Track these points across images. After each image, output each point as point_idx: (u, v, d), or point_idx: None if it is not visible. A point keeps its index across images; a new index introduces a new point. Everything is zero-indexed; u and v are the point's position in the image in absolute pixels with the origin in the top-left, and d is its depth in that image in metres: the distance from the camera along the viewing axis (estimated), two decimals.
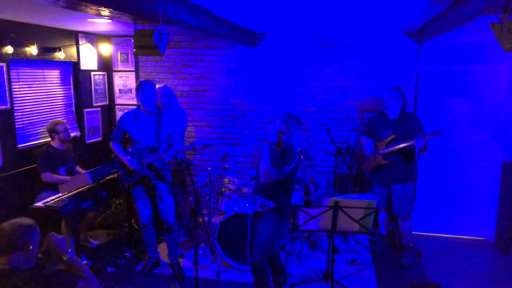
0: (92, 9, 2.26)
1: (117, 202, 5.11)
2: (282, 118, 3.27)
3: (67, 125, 4.27)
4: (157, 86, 4.09)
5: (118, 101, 5.66)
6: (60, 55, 4.57)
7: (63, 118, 4.82)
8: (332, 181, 5.07)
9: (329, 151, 5.12)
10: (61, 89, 4.85)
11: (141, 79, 3.75)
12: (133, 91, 5.53)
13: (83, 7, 2.19)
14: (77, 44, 4.89)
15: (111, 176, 4.12)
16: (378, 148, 4.10)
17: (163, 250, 4.15)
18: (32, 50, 4.18)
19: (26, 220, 2.22)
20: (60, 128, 4.13)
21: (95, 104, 5.32)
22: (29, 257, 2.18)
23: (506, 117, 4.56)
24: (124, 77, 5.59)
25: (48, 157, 4.07)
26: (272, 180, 3.07)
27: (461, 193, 4.82)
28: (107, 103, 5.59)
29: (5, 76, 3.91)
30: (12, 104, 4.03)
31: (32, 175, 4.17)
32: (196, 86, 5.39)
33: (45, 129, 4.32)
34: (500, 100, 4.57)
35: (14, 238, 2.12)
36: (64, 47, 4.65)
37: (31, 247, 2.18)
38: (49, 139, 4.23)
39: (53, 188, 3.87)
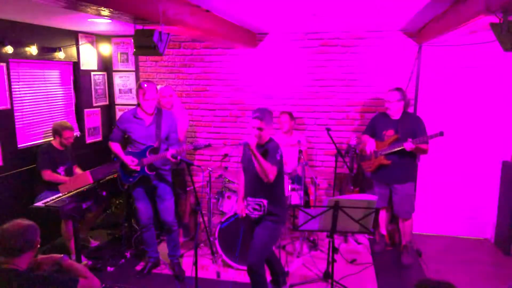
0: (92, 9, 2.26)
1: (117, 202, 5.12)
2: (254, 115, 3.11)
3: (74, 133, 4.28)
4: (158, 86, 4.09)
5: (118, 101, 5.66)
6: (60, 55, 4.58)
7: (63, 118, 4.83)
8: (332, 181, 5.07)
9: (329, 151, 5.12)
10: (61, 89, 4.85)
11: (142, 80, 3.74)
12: (133, 91, 5.54)
13: (83, 7, 2.19)
14: (77, 44, 4.90)
15: (111, 176, 4.13)
16: (380, 148, 4.10)
17: (163, 250, 4.15)
18: (32, 50, 4.18)
19: (27, 221, 2.22)
20: (65, 134, 4.16)
21: (95, 104, 5.32)
22: (33, 257, 2.20)
23: (506, 117, 4.57)
24: (124, 77, 5.59)
25: (48, 156, 4.09)
26: (275, 174, 3.04)
27: (461, 193, 4.83)
28: (107, 103, 5.60)
29: (5, 76, 3.92)
30: (12, 104, 4.04)
31: (32, 175, 4.18)
32: (196, 86, 5.40)
33: (46, 129, 4.32)
34: (500, 100, 4.57)
35: (28, 238, 2.12)
36: (64, 47, 4.66)
37: (38, 246, 2.20)
38: (51, 138, 4.24)
39: (53, 188, 3.88)
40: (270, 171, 3.01)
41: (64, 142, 4.18)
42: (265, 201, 3.16)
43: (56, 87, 4.77)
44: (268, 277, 3.48)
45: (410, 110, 4.72)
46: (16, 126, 4.12)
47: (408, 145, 3.79)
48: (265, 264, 3.26)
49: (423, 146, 3.87)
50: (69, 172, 4.29)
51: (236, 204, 4.09)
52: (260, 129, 3.08)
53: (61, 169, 4.18)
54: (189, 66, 5.36)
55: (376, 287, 3.76)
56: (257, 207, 3.18)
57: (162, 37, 2.74)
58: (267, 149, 3.10)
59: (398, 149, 3.93)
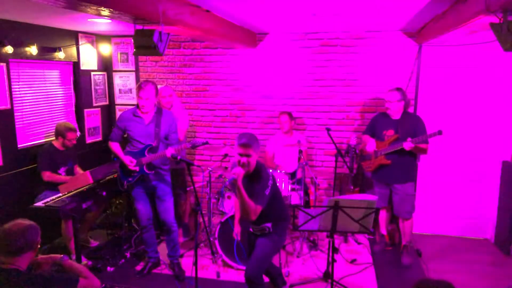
0: (92, 9, 2.26)
1: (117, 202, 5.11)
2: (240, 142, 2.86)
3: (77, 135, 4.28)
4: (158, 86, 4.10)
5: (118, 101, 5.66)
6: (60, 55, 4.57)
7: (63, 118, 4.83)
8: (332, 181, 5.07)
9: (329, 151, 5.12)
10: (61, 89, 4.85)
11: (142, 80, 3.75)
12: (133, 91, 5.54)
13: (83, 7, 2.19)
14: (77, 44, 4.90)
15: (111, 176, 4.13)
16: (380, 148, 4.10)
17: (163, 250, 4.15)
18: (32, 50, 4.18)
19: (28, 221, 2.23)
20: (69, 136, 4.15)
21: (95, 104, 5.32)
22: (34, 257, 2.20)
23: (506, 117, 4.57)
24: (124, 77, 5.59)
25: (49, 156, 4.09)
26: (258, 214, 2.87)
27: (461, 193, 4.83)
28: (107, 103, 5.60)
29: (5, 76, 3.92)
30: (12, 104, 4.03)
31: (32, 175, 4.18)
32: (196, 86, 5.40)
33: (47, 129, 4.31)
34: (500, 100, 4.57)
35: (29, 238, 2.13)
36: (64, 47, 4.66)
37: (39, 246, 2.20)
38: (52, 138, 4.24)
39: (53, 188, 3.88)
40: (252, 212, 2.83)
41: (66, 144, 4.17)
42: (269, 225, 3.09)
43: (56, 87, 4.77)
44: (266, 279, 3.47)
45: (410, 110, 4.72)
46: (16, 126, 4.12)
47: (408, 145, 3.79)
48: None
49: (423, 145, 3.87)
50: (70, 173, 4.29)
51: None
52: (247, 155, 2.85)
53: (62, 170, 4.18)
54: (189, 66, 5.36)
55: (376, 287, 3.76)
56: (262, 231, 3.14)
57: (162, 37, 2.74)
58: (256, 187, 2.90)
59: (398, 148, 3.93)
